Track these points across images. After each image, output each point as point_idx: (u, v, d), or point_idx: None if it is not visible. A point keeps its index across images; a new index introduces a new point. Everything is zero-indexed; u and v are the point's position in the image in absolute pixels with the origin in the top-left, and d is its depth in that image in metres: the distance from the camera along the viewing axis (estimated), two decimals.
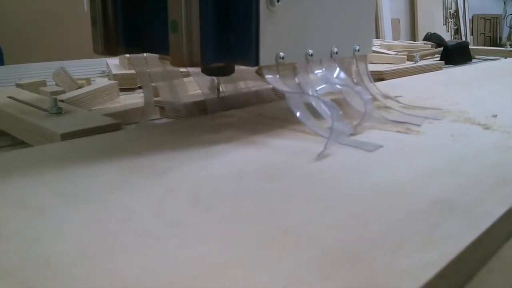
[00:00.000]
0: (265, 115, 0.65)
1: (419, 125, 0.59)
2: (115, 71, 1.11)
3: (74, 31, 2.46)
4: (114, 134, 0.56)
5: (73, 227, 0.32)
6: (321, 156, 0.46)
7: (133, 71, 1.08)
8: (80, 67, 1.32)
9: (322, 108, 0.53)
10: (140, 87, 1.07)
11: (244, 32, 0.49)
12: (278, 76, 0.52)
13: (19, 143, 0.62)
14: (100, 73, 1.24)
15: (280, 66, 0.52)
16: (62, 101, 0.71)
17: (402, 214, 0.34)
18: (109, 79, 1.12)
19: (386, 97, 0.69)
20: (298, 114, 0.53)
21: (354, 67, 0.66)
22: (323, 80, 0.58)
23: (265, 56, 0.49)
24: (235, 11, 0.49)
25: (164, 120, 0.71)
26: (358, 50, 0.63)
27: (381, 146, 0.50)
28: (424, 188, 0.39)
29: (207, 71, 0.60)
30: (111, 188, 0.39)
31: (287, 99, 0.53)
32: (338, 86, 0.58)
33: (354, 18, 0.62)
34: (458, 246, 0.29)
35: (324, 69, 0.59)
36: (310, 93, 0.54)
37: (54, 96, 0.65)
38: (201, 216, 0.34)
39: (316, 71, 0.57)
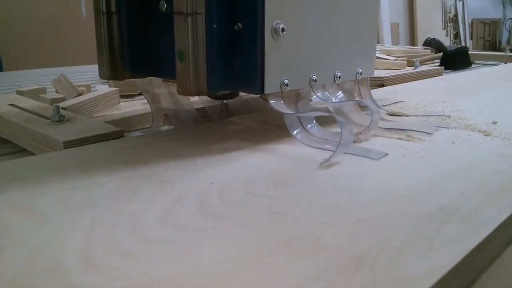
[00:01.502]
0: (269, 122, 0.65)
1: (431, 134, 0.59)
2: None
3: (73, 37, 2.47)
4: (117, 141, 0.56)
5: (78, 234, 0.32)
6: (325, 165, 0.47)
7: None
8: (79, 73, 1.32)
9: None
10: (140, 94, 1.07)
11: (250, 61, 0.50)
12: (282, 101, 0.53)
13: (20, 151, 0.63)
14: (99, 80, 1.24)
15: (284, 92, 0.53)
16: (64, 108, 0.71)
17: (404, 221, 0.34)
18: (109, 85, 1.13)
19: (392, 114, 0.70)
20: (298, 136, 0.55)
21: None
22: (324, 99, 0.59)
23: (270, 84, 0.50)
24: (241, 41, 0.50)
25: (166, 127, 0.71)
26: (361, 73, 0.64)
27: (386, 154, 0.50)
28: (426, 195, 0.40)
29: (213, 95, 0.61)
30: (117, 196, 0.39)
31: (286, 121, 0.55)
32: (344, 101, 0.59)
33: (357, 42, 0.63)
34: (459, 253, 0.30)
35: (327, 93, 0.60)
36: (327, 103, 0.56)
37: (56, 104, 0.65)
38: (209, 223, 0.34)
39: (318, 94, 0.58)
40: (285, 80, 0.52)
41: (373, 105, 0.58)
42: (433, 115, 0.70)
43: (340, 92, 0.61)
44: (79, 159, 0.49)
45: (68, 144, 0.54)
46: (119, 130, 0.60)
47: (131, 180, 0.43)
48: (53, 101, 0.82)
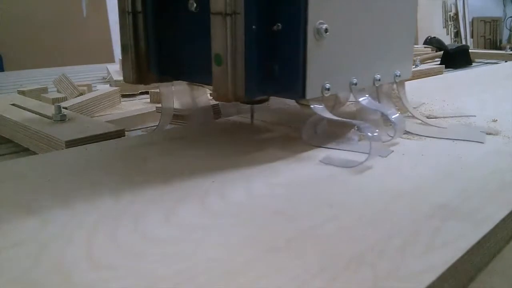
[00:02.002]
0: (258, 118, 0.65)
1: (482, 143, 0.55)
2: (116, 77, 1.12)
3: (74, 37, 2.47)
4: (118, 140, 0.57)
5: (82, 233, 0.32)
6: (360, 168, 0.46)
7: None
8: (80, 73, 1.32)
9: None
10: (141, 93, 1.08)
11: (290, 64, 0.47)
12: (323, 105, 0.50)
13: (22, 150, 0.63)
14: (100, 79, 1.25)
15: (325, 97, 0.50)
16: (65, 108, 0.71)
17: (405, 218, 0.35)
18: (110, 85, 1.13)
19: (429, 117, 0.68)
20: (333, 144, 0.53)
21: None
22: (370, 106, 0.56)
23: (312, 88, 0.47)
24: (281, 42, 0.47)
25: (169, 126, 0.71)
26: (399, 76, 0.61)
27: (392, 151, 0.51)
28: (427, 193, 0.40)
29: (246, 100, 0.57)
30: (119, 196, 0.39)
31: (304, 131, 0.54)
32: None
33: (395, 42, 0.60)
34: (459, 250, 0.30)
35: (368, 96, 0.56)
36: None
37: (58, 104, 0.66)
38: (210, 222, 0.34)
39: (360, 98, 0.55)
40: (326, 84, 0.49)
41: (397, 116, 0.55)
42: (462, 116, 0.69)
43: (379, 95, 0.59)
44: (81, 159, 0.49)
45: (70, 144, 0.54)
46: (120, 129, 0.60)
47: (134, 178, 0.43)
48: (55, 100, 0.82)
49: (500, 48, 3.47)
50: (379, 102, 0.58)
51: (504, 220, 0.35)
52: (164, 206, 0.37)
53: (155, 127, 0.64)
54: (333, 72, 0.50)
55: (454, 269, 0.29)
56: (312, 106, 0.49)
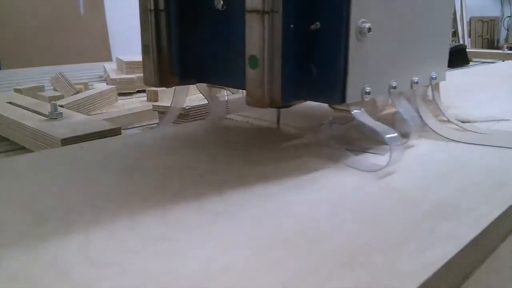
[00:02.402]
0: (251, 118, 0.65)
1: None
2: (113, 75, 1.12)
3: (71, 35, 2.47)
4: (114, 139, 0.57)
5: (78, 232, 0.32)
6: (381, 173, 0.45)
7: (131, 76, 1.09)
8: (77, 71, 1.32)
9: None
10: (138, 92, 1.08)
11: (330, 66, 0.44)
12: (363, 109, 0.47)
13: (19, 148, 0.63)
14: (97, 78, 1.25)
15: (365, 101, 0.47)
16: (61, 106, 0.71)
17: (402, 216, 0.35)
18: (106, 83, 1.13)
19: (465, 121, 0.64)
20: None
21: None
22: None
23: (352, 92, 0.44)
24: (319, 43, 0.43)
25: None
26: (435, 78, 0.57)
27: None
28: (424, 192, 0.40)
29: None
30: (115, 194, 0.39)
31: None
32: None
33: (432, 42, 0.56)
34: (454, 248, 0.30)
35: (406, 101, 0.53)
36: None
37: (54, 102, 0.66)
38: (205, 221, 0.34)
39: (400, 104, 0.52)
40: (367, 88, 0.45)
41: (411, 121, 0.52)
42: (494, 120, 0.66)
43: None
44: (77, 157, 0.49)
45: (66, 142, 0.54)
46: (117, 127, 0.60)
47: (129, 177, 0.43)
48: (51, 99, 0.82)
49: (498, 48, 3.47)
50: (416, 106, 0.55)
51: (499, 218, 0.35)
52: (160, 205, 0.37)
53: (152, 125, 0.64)
54: (372, 74, 0.47)
55: (449, 267, 0.29)
56: (353, 112, 0.46)
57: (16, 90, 0.92)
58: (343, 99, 0.44)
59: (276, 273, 0.27)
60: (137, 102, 0.95)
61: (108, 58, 2.21)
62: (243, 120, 0.64)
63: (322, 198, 0.38)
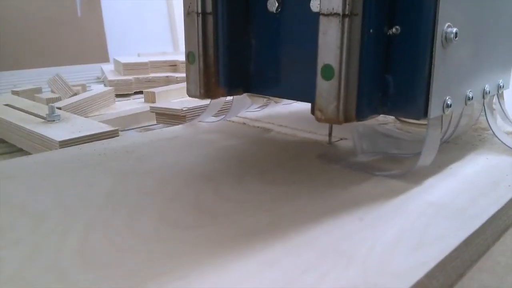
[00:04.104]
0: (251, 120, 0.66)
1: None
2: (110, 77, 1.12)
3: (68, 37, 2.47)
4: (112, 140, 0.57)
5: (75, 233, 0.32)
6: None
7: (128, 77, 1.09)
8: (74, 73, 1.32)
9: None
10: (135, 93, 1.08)
11: (412, 76, 0.39)
12: (440, 124, 0.43)
13: (16, 151, 0.63)
14: (94, 79, 1.25)
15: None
16: (59, 108, 0.72)
17: (396, 215, 0.35)
18: (104, 85, 1.13)
19: None
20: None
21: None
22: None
23: (435, 105, 0.40)
24: (400, 50, 0.39)
25: (161, 126, 0.72)
26: (502, 86, 0.53)
27: None
28: (418, 190, 0.40)
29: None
30: (113, 196, 0.39)
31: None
32: None
33: (503, 48, 0.52)
34: (447, 247, 0.30)
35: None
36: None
37: (52, 104, 0.66)
38: (202, 221, 0.35)
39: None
40: (448, 100, 0.41)
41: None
42: None
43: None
44: (74, 159, 0.49)
45: (64, 144, 0.55)
46: (114, 129, 0.60)
47: (128, 178, 0.43)
48: (49, 100, 0.82)
49: None
50: (486, 117, 0.52)
51: (493, 217, 0.35)
52: (157, 205, 0.37)
53: (149, 126, 0.64)
54: (453, 85, 0.42)
55: (443, 265, 0.29)
56: (430, 128, 0.42)
57: (14, 92, 0.92)
58: (425, 113, 0.39)
59: None
60: (135, 104, 0.95)
61: (105, 60, 2.20)
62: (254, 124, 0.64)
63: None
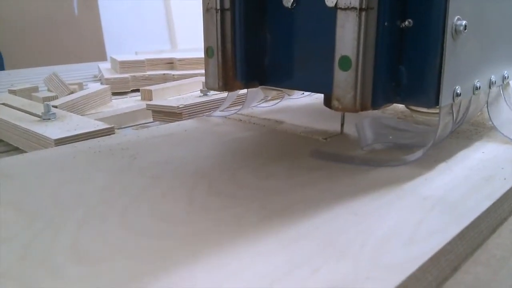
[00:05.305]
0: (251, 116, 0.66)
1: None
2: (107, 75, 1.12)
3: (65, 35, 2.47)
4: (107, 138, 0.57)
5: (69, 230, 0.32)
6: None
7: (125, 75, 1.09)
8: (71, 72, 1.32)
9: None
10: (132, 91, 1.08)
11: (423, 67, 0.41)
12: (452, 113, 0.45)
13: (13, 149, 0.63)
14: (91, 77, 1.25)
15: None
16: (55, 106, 0.72)
17: (391, 209, 0.35)
18: (101, 83, 1.13)
19: None
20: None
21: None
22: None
23: (446, 94, 0.42)
24: (411, 42, 0.41)
25: (157, 123, 0.72)
26: (507, 77, 0.55)
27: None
28: (413, 185, 0.40)
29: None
30: (107, 192, 0.39)
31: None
32: None
33: (509, 39, 0.54)
34: (441, 240, 0.30)
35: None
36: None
37: (47, 102, 0.66)
38: (195, 216, 0.35)
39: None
40: (458, 89, 0.43)
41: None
42: None
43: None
44: (70, 156, 0.49)
45: (59, 142, 0.55)
46: (110, 127, 0.60)
47: (122, 175, 0.43)
48: (45, 99, 0.82)
49: None
50: (488, 108, 0.54)
51: (487, 211, 0.35)
52: (151, 201, 0.37)
53: (145, 124, 0.64)
54: (462, 74, 0.45)
55: (436, 259, 0.29)
56: (442, 115, 0.44)
57: (10, 91, 0.92)
58: (436, 102, 0.42)
59: None
60: (131, 102, 0.95)
61: (103, 58, 2.21)
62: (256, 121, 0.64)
63: None
